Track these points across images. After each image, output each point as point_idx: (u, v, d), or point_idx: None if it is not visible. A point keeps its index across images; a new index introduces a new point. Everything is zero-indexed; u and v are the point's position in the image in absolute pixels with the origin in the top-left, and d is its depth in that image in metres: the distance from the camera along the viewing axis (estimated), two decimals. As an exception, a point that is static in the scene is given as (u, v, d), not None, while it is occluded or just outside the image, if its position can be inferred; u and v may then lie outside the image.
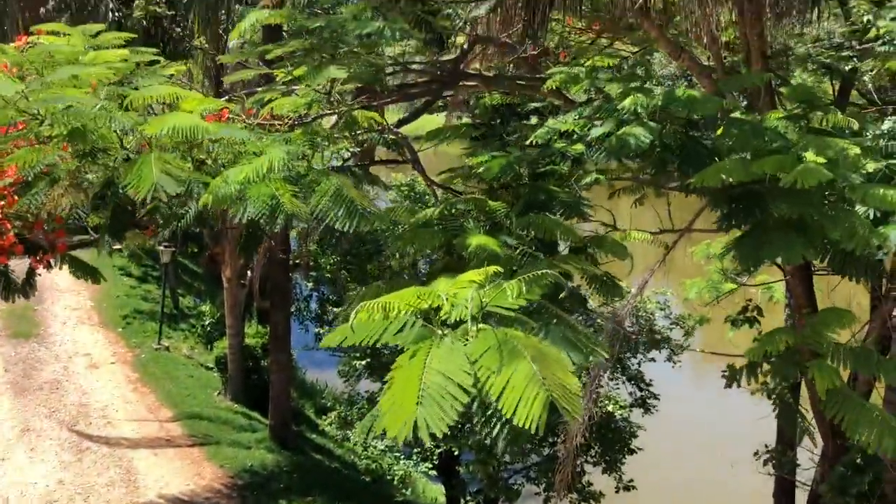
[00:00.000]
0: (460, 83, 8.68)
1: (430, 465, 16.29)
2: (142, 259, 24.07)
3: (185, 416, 15.43)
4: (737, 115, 6.75)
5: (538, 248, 6.17)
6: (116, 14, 14.15)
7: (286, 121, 6.49)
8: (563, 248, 6.83)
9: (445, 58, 9.63)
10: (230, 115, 6.51)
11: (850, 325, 6.27)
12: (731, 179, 5.10)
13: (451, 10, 7.60)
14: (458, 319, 3.50)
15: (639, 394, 17.10)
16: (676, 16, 12.17)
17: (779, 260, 10.46)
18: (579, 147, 6.59)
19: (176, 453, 13.89)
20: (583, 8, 10.78)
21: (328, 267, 22.80)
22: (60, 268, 6.48)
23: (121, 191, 5.39)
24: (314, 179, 5.07)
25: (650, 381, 17.19)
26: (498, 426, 3.10)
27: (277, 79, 6.75)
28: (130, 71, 6.39)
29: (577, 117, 6.71)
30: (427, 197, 16.10)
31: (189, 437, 14.56)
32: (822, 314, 5.95)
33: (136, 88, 5.96)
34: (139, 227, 7.08)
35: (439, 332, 3.38)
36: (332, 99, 6.27)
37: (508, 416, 2.95)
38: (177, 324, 20.98)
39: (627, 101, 5.86)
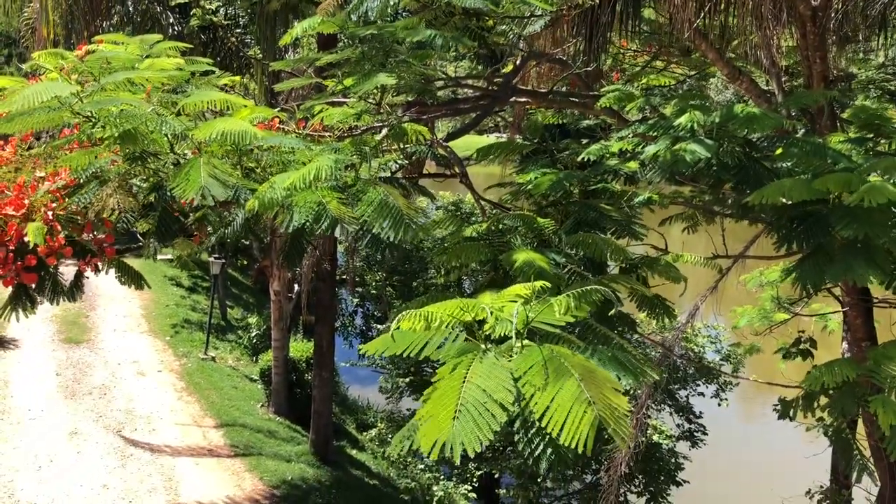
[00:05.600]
0: (512, 98, 8.59)
1: (470, 488, 16.10)
2: (192, 270, 24.47)
3: (227, 426, 15.53)
4: (798, 136, 6.52)
5: (586, 268, 6.00)
6: (177, 28, 14.46)
7: (336, 132, 6.46)
8: (613, 268, 6.65)
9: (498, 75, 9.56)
10: (280, 126, 6.51)
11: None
12: (791, 199, 4.87)
13: (505, 27, 7.53)
14: (502, 335, 3.37)
15: (687, 426, 16.71)
16: (735, 39, 11.95)
17: (837, 290, 10.16)
18: (633, 165, 6.42)
19: (217, 463, 13.96)
20: (639, 29, 10.61)
21: (374, 283, 22.96)
22: (107, 272, 6.51)
23: (168, 195, 5.41)
24: (361, 189, 5.01)
25: (700, 412, 16.78)
26: (541, 447, 2.94)
27: (328, 88, 6.74)
28: (185, 80, 6.43)
29: (630, 134, 6.55)
30: (473, 217, 16.07)
31: (231, 448, 14.63)
32: (885, 346, 5.65)
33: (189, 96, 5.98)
34: (187, 235, 7.10)
35: (482, 346, 3.25)
36: (381, 110, 6.24)
37: (554, 435, 2.80)
38: (224, 335, 21.20)
39: (683, 118, 5.69)
